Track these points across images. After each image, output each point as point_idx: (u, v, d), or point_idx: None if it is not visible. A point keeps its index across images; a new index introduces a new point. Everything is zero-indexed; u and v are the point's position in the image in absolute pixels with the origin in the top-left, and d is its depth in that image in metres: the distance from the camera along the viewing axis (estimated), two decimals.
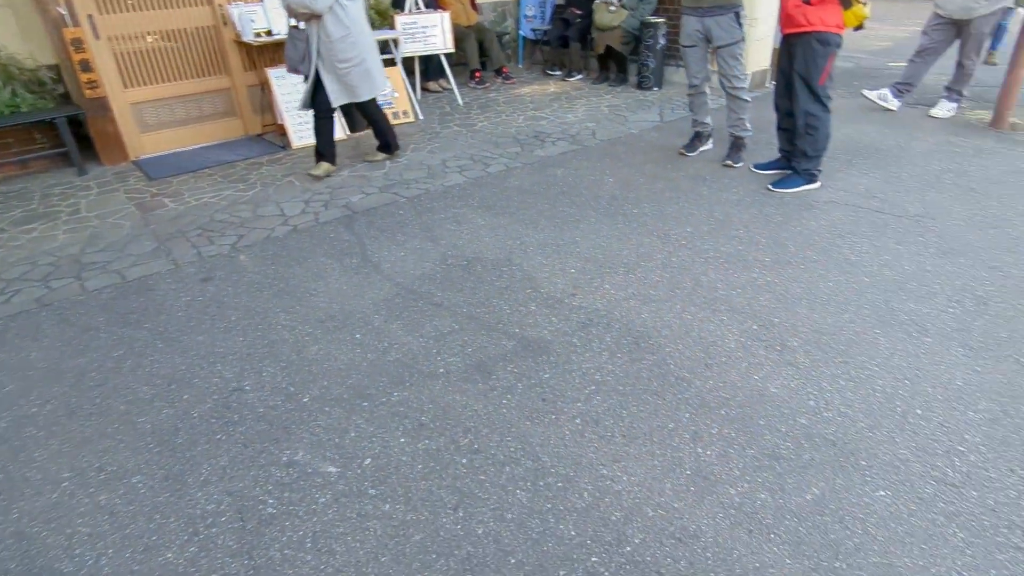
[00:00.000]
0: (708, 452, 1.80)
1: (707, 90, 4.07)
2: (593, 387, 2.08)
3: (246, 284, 2.82)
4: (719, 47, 3.76)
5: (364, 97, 3.90)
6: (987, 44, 6.29)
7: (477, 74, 6.60)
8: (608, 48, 6.36)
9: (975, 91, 5.42)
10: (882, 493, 1.66)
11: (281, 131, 4.87)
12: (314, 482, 1.75)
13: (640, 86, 6.24)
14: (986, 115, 4.79)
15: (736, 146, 4.04)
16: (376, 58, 3.92)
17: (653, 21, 5.93)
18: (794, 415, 1.93)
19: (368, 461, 1.81)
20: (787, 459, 1.77)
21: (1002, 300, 2.49)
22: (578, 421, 1.93)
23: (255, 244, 3.21)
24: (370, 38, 3.88)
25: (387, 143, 4.36)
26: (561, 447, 1.84)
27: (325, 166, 4.05)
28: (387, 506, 1.67)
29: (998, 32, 6.64)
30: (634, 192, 3.68)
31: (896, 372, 2.10)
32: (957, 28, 4.64)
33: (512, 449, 1.83)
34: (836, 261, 2.82)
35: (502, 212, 3.46)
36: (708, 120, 4.22)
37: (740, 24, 3.72)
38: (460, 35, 6.27)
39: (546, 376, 2.14)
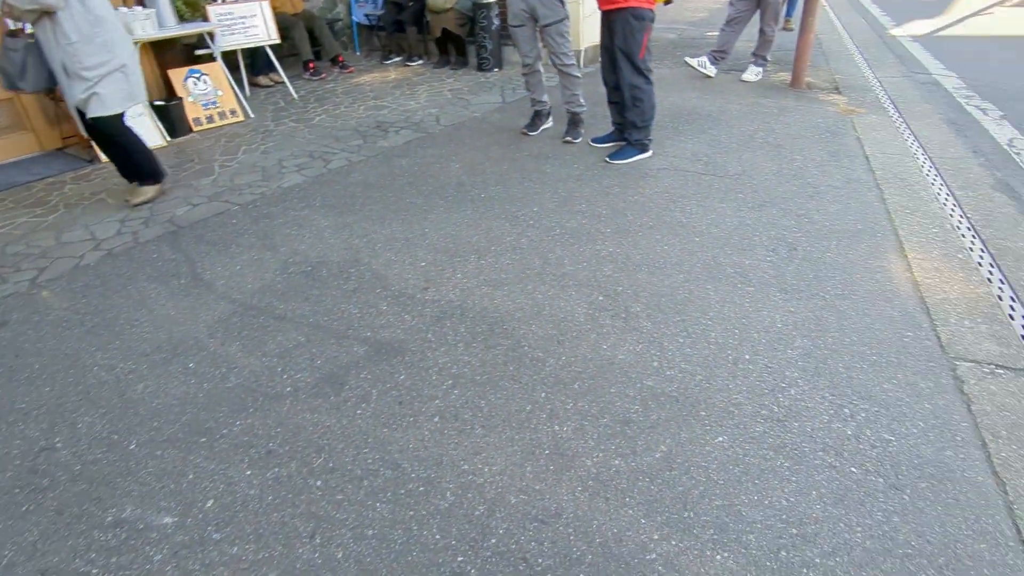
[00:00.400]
0: (565, 428, 1.84)
1: (540, 68, 4.13)
2: (450, 381, 2.05)
3: (51, 324, 2.47)
4: (545, 25, 3.82)
5: (116, 109, 3.20)
6: (783, 12, 7.00)
7: (311, 65, 6.26)
8: (445, 31, 6.29)
9: (777, 55, 6.00)
10: (721, 439, 1.79)
11: (86, 143, 4.30)
12: (147, 538, 1.57)
13: (481, 68, 6.24)
14: (787, 76, 5.33)
15: (574, 122, 4.16)
16: (136, 62, 3.28)
17: (486, 2, 5.93)
18: (641, 378, 2.02)
19: (210, 503, 1.66)
20: (637, 422, 1.85)
21: (808, 244, 2.77)
22: (437, 419, 1.89)
23: (61, 276, 2.82)
24: (125, 37, 3.25)
25: (150, 171, 3.50)
26: (421, 449, 1.79)
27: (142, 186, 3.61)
28: (235, 548, 1.53)
29: (791, 0, 7.40)
30: (481, 176, 3.67)
31: (726, 323, 2.28)
32: None
33: (370, 461, 1.76)
34: (670, 225, 2.99)
35: (346, 210, 3.31)
36: (545, 98, 4.31)
37: (562, 2, 3.81)
38: (286, 24, 5.89)
39: (402, 378, 2.07)
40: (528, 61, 4.04)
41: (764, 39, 5.30)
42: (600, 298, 2.45)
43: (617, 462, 1.72)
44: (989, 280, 2.49)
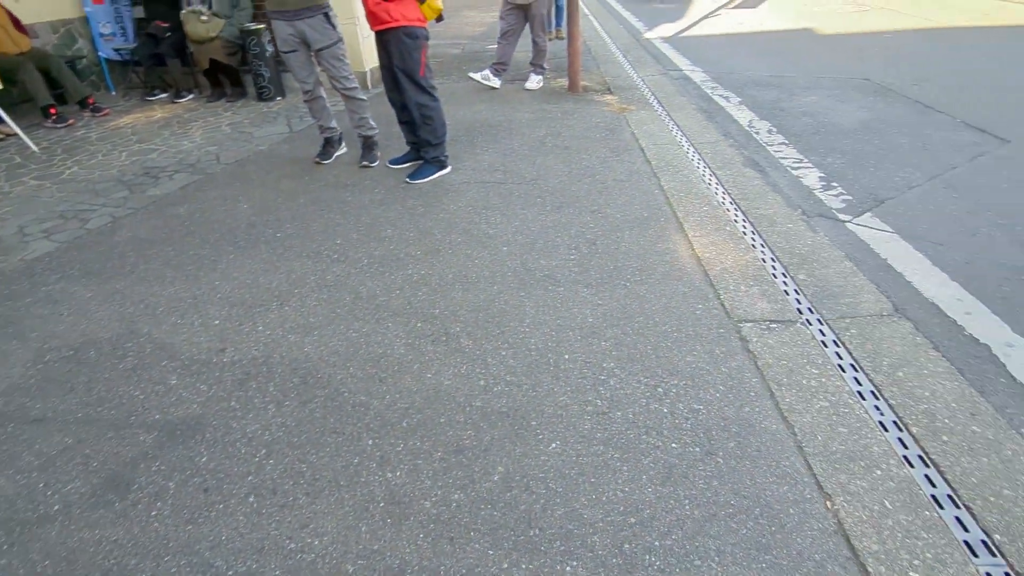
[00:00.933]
0: (398, 473, 1.72)
1: (323, 94, 3.95)
2: (264, 451, 1.83)
3: None
4: (318, 50, 3.66)
5: None
6: (553, 23, 7.50)
7: (53, 111, 5.38)
8: (214, 61, 5.79)
9: (554, 63, 6.40)
10: (554, 445, 1.80)
11: None
12: None
13: (261, 97, 5.84)
14: (565, 82, 5.69)
15: (368, 146, 4.03)
16: None
17: (254, 28, 5.56)
18: (469, 401, 1.98)
19: None
20: (471, 448, 1.80)
21: (606, 237, 2.95)
22: (252, 499, 1.67)
23: None
24: None
25: None
26: (237, 539, 1.56)
27: None
28: None
29: (558, 11, 7.95)
30: (274, 214, 3.40)
31: (543, 327, 2.32)
32: (524, 11, 5.37)
33: (174, 570, 1.49)
34: (478, 238, 3.01)
35: (115, 274, 2.86)
36: (334, 124, 4.13)
37: (333, 24, 3.66)
38: (9, 66, 5.00)
39: (204, 459, 1.81)
40: (307, 88, 3.84)
41: (537, 49, 5.62)
42: (418, 325, 2.37)
43: (457, 496, 1.65)
44: (753, 246, 2.83)
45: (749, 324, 2.29)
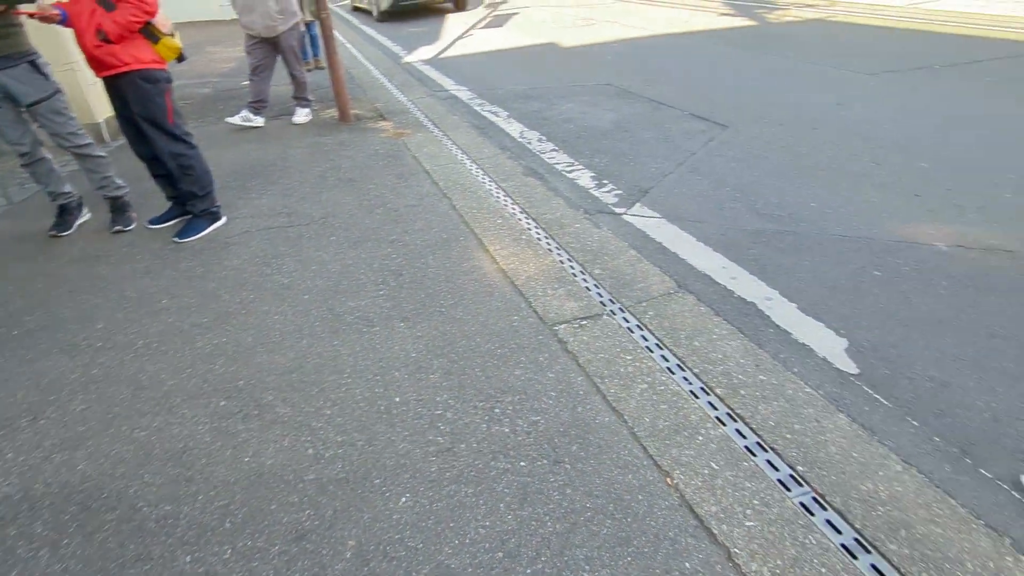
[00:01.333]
0: None
1: (46, 154, 3.32)
2: None
3: None
4: (30, 105, 3.06)
5: None
6: (309, 52, 7.25)
7: None
8: None
9: (320, 93, 6.18)
10: (404, 499, 1.69)
11: None
12: None
13: None
14: (335, 112, 5.51)
15: (118, 207, 3.48)
16: None
17: None
18: (300, 476, 1.78)
19: None
20: (313, 530, 1.61)
21: (411, 266, 2.89)
22: None
23: None
24: None
25: None
26: None
27: None
28: None
29: (312, 40, 7.70)
30: (4, 308, 2.76)
31: (366, 373, 2.19)
32: (272, 44, 5.07)
33: None
34: (273, 291, 2.75)
35: None
36: (68, 188, 3.49)
37: (44, 74, 3.10)
38: None
39: None
40: (23, 150, 3.19)
41: (297, 82, 5.36)
42: (222, 403, 2.08)
43: None
44: (550, 250, 2.99)
45: (563, 326, 2.40)
